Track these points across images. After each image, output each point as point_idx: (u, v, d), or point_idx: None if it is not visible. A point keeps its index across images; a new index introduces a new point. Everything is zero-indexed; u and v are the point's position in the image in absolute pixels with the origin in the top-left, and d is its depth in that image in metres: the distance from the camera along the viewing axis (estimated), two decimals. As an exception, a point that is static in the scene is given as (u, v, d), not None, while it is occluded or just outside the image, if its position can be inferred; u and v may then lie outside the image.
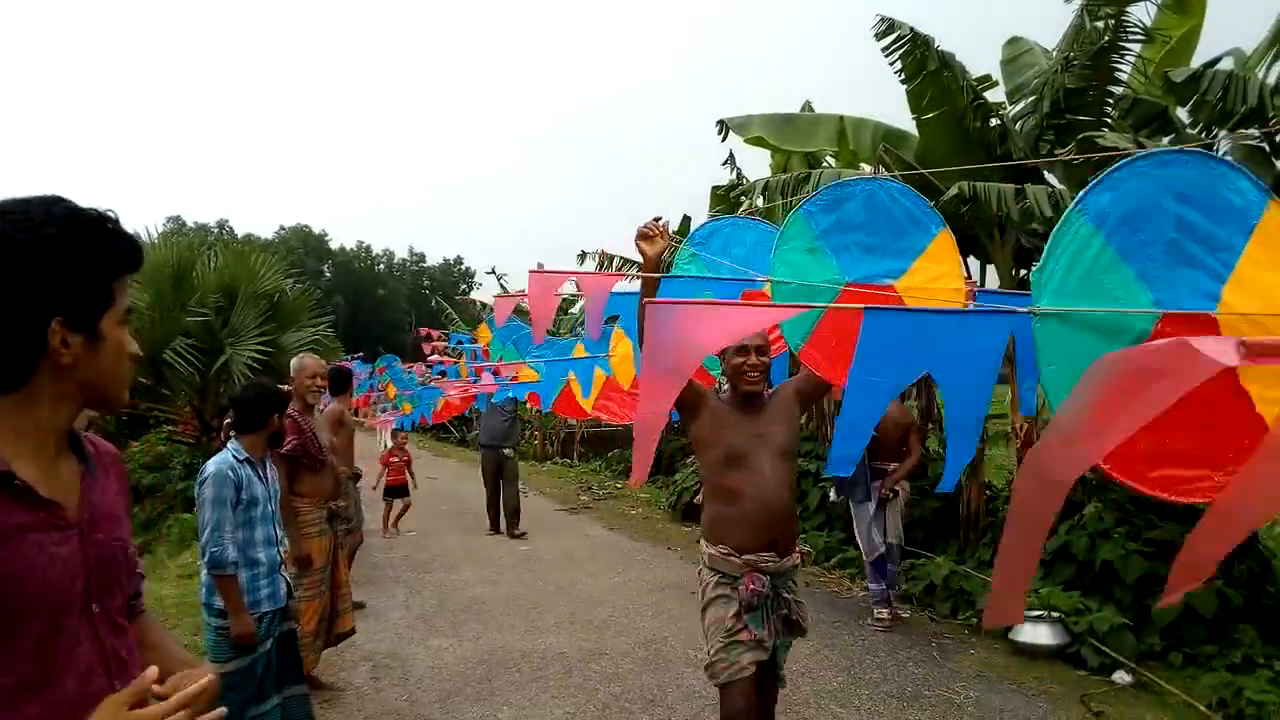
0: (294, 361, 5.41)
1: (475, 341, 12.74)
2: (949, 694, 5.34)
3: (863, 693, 5.35)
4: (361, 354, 23.66)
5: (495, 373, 9.07)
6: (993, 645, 6.29)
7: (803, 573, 8.62)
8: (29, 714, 1.15)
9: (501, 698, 5.26)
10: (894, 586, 7.04)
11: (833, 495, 7.90)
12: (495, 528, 11.07)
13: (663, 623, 6.88)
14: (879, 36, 7.41)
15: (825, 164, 10.11)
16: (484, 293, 60.81)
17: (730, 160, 12.68)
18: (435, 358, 13.58)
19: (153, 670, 1.26)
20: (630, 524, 12.02)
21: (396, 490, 11.03)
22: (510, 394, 9.63)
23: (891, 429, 6.79)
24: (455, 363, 12.91)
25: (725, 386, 3.93)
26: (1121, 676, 5.55)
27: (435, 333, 19.18)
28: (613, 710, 5.07)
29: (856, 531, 7.09)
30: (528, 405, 11.14)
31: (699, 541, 3.61)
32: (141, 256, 1.34)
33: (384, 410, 19.89)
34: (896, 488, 6.90)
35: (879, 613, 6.87)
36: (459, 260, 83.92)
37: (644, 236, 3.31)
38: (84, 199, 1.28)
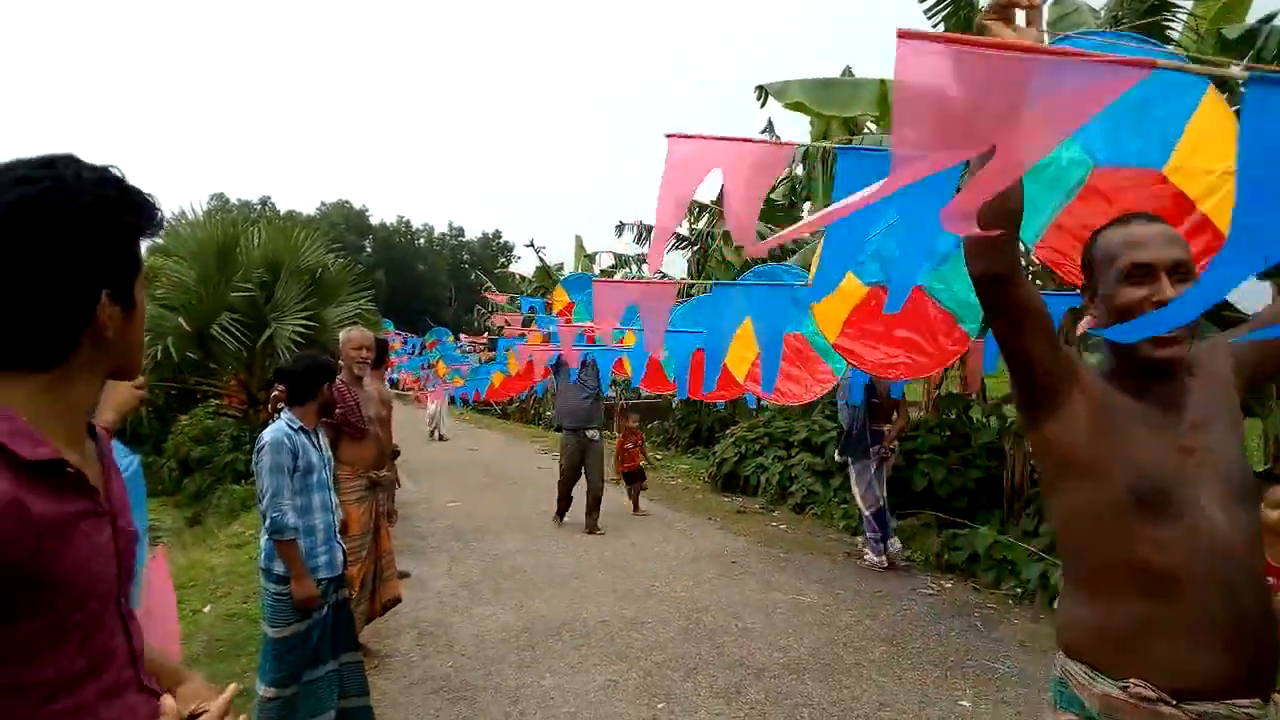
0: (342, 333, 5.50)
1: (549, 308, 11.34)
2: (992, 664, 5.31)
3: (905, 662, 5.34)
4: (405, 333, 23.52)
5: (588, 340, 7.80)
6: (1036, 616, 6.24)
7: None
8: (69, 706, 1.12)
9: (544, 665, 5.33)
10: (890, 536, 7.79)
11: (836, 456, 8.00)
12: (562, 516, 9.73)
13: (704, 592, 6.91)
14: (922, -2, 7.26)
15: (866, 130, 9.96)
16: (523, 265, 60.99)
17: (769, 128, 12.59)
18: (506, 327, 12.65)
19: (194, 684, 1.37)
20: (670, 494, 12.07)
21: (632, 475, 10.58)
22: (591, 358, 8.53)
23: (886, 394, 7.60)
24: (524, 333, 11.49)
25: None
26: (1169, 647, 5.47)
27: (501, 297, 18.84)
28: (654, 678, 5.11)
29: (858, 487, 7.78)
30: (616, 376, 9.91)
31: (1059, 657, 1.83)
32: (160, 215, 1.27)
33: (433, 387, 19.88)
34: (893, 446, 7.83)
35: (875, 558, 7.66)
36: (498, 234, 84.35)
37: (998, 10, 1.49)
38: (130, 178, 1.23)
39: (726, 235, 12.07)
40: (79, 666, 1.13)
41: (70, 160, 1.18)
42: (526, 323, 12.28)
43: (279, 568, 3.73)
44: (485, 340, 14.91)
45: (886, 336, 4.26)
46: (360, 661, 4.17)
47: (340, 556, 4.01)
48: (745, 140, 2.81)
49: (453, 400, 22.17)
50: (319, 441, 4.01)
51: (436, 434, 20.08)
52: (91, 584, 1.15)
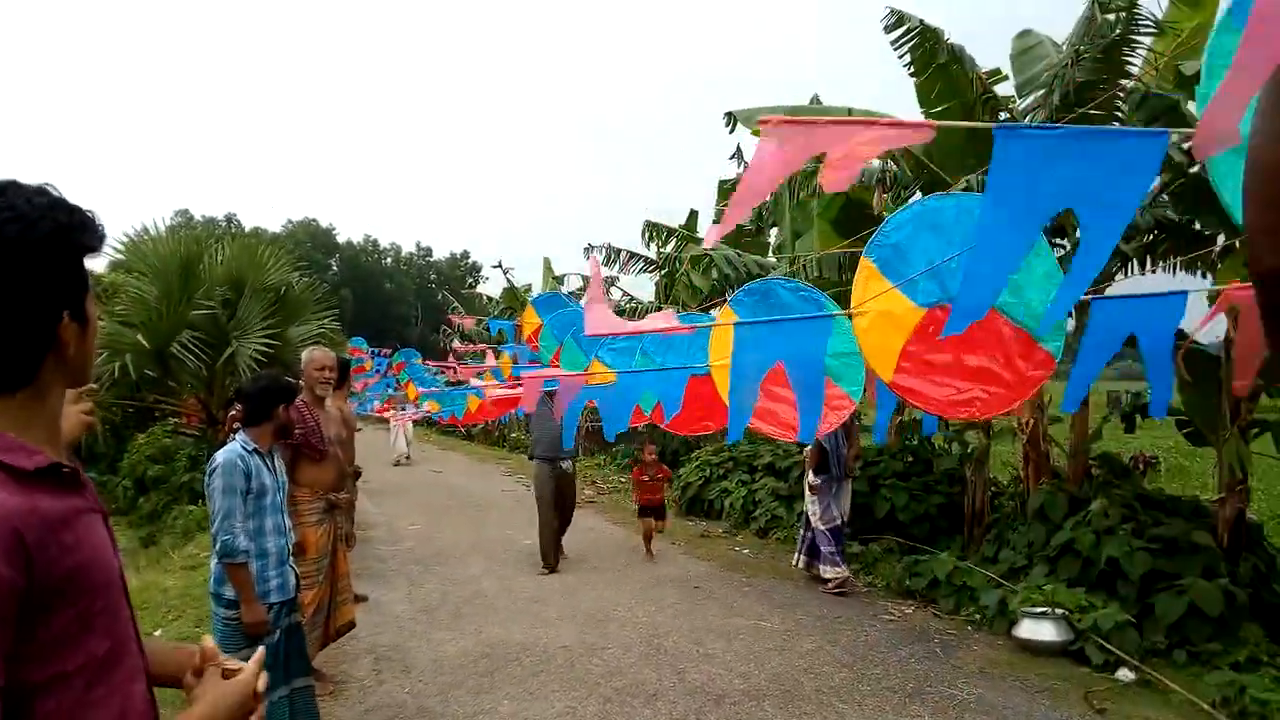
0: (305, 353, 5.43)
1: (519, 333, 10.51)
2: (951, 690, 5.32)
3: (865, 689, 5.34)
4: (377, 348, 22.83)
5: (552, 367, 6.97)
6: (995, 642, 6.27)
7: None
8: (106, 692, 1.18)
9: (502, 691, 5.26)
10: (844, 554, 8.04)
11: (812, 478, 7.99)
12: (552, 567, 8.62)
13: (665, 617, 6.87)
14: (889, 29, 7.37)
15: (833, 158, 10.06)
16: (490, 286, 60.80)
17: (738, 154, 12.68)
18: (461, 347, 11.98)
19: (208, 641, 1.43)
20: (633, 519, 11.98)
21: (649, 510, 9.40)
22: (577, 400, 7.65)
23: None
24: (495, 365, 10.77)
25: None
26: (1125, 674, 5.53)
27: (468, 320, 18.39)
28: (614, 704, 5.06)
29: (818, 505, 7.90)
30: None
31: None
32: (104, 231, 1.31)
33: (403, 409, 19.48)
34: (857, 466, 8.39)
35: (833, 572, 7.74)
36: (465, 254, 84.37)
37: None
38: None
39: (694, 260, 12.12)
40: (105, 651, 1.19)
41: (16, 186, 1.21)
42: (486, 354, 11.92)
43: (229, 592, 3.67)
44: (454, 364, 14.73)
45: (955, 368, 3.62)
46: (311, 686, 4.10)
47: (293, 580, 3.95)
48: (870, 122, 2.69)
49: (420, 421, 21.75)
50: (274, 464, 3.94)
51: (403, 459, 19.55)
52: (104, 572, 1.22)
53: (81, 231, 1.25)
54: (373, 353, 21.13)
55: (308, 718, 3.97)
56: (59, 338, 1.22)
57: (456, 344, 15.06)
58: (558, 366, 6.86)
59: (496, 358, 11.34)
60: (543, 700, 5.12)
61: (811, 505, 7.98)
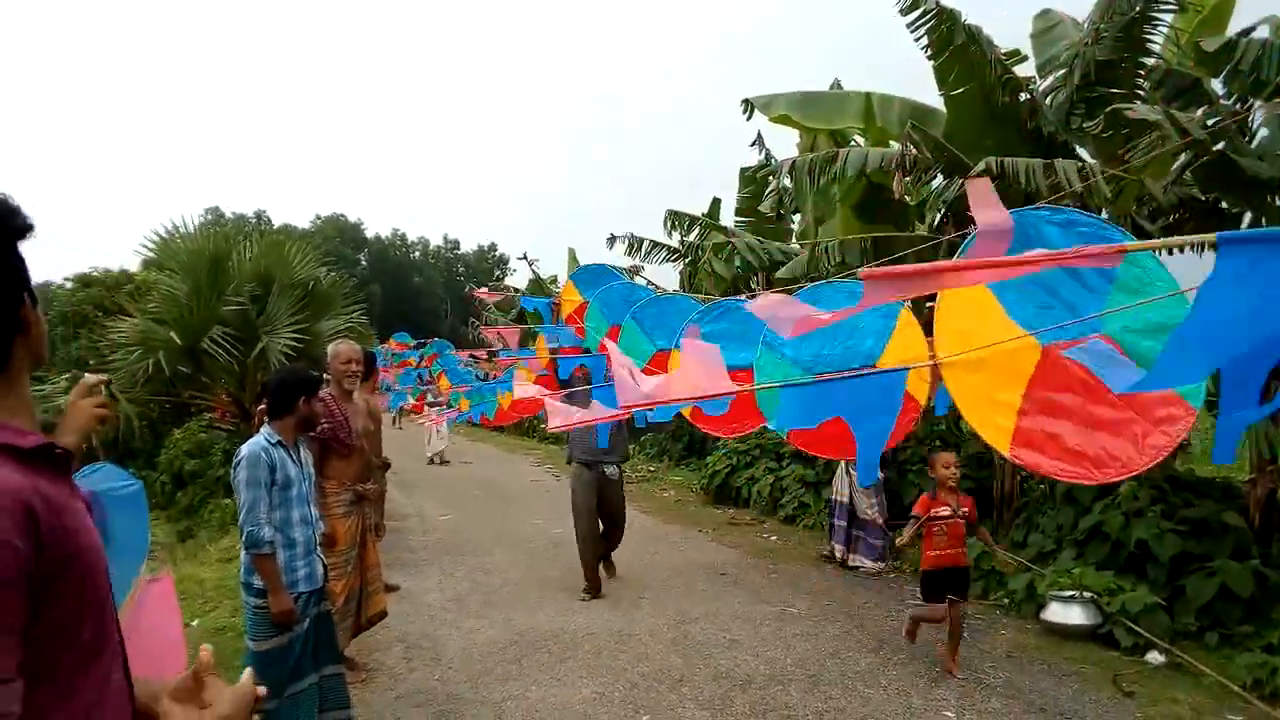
0: (330, 348, 5.43)
1: (557, 312, 8.99)
2: (978, 674, 5.32)
3: (891, 672, 5.35)
4: (422, 340, 22.36)
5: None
6: (1024, 626, 6.26)
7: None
8: (94, 679, 1.19)
9: (531, 677, 5.33)
10: None
11: (881, 474, 8.16)
12: (595, 589, 7.22)
13: (692, 604, 6.92)
14: (904, 12, 7.31)
15: (853, 142, 10.02)
16: (517, 279, 60.92)
17: (759, 141, 12.64)
18: (498, 338, 11.37)
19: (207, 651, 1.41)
20: (662, 507, 12.06)
21: (942, 578, 5.43)
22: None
23: None
24: (529, 347, 9.66)
25: None
26: (1155, 657, 5.50)
27: (494, 295, 17.84)
28: (641, 690, 5.11)
29: (876, 495, 8.12)
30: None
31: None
32: (25, 214, 1.29)
33: (436, 408, 19.13)
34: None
35: (879, 565, 8.03)
36: (493, 247, 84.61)
37: None
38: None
39: (716, 247, 12.10)
40: (93, 639, 1.19)
41: None
42: (529, 337, 11.62)
43: (259, 581, 3.74)
44: (486, 354, 14.69)
45: None
46: (342, 674, 4.17)
47: (320, 569, 4.02)
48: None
49: (470, 425, 21.44)
50: (299, 456, 4.00)
51: (438, 459, 18.82)
52: (96, 559, 1.22)
53: (11, 216, 1.26)
54: (417, 344, 21.02)
55: (337, 704, 4.04)
56: (26, 321, 1.25)
57: (488, 331, 14.80)
58: (605, 351, 6.19)
59: (533, 340, 10.52)
60: (570, 686, 5.18)
61: (869, 501, 8.07)
